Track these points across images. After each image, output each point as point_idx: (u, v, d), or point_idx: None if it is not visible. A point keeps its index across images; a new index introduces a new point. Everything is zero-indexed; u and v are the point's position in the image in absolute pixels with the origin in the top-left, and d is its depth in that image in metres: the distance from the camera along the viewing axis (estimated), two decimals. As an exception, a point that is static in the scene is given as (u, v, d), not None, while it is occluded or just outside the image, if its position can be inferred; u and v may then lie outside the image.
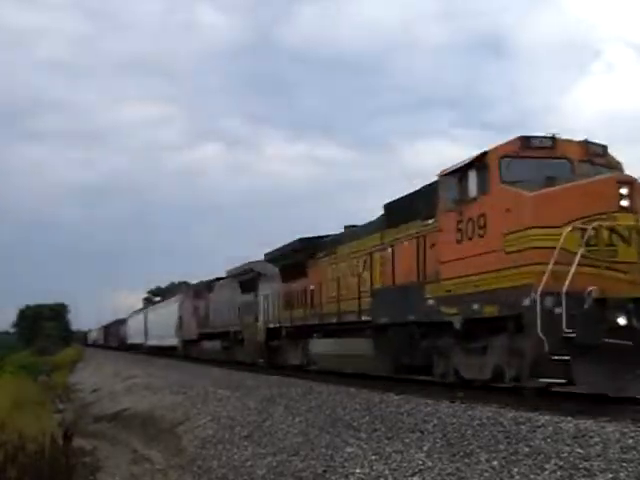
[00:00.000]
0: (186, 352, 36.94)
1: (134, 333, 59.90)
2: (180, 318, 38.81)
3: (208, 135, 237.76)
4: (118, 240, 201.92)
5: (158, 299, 64.16)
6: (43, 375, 40.13)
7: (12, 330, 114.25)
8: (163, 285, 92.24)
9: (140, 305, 78.38)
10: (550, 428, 7.62)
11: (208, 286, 33.48)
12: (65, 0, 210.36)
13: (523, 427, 7.89)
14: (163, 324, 43.69)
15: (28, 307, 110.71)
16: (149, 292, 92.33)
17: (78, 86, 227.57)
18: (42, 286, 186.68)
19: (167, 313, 43.19)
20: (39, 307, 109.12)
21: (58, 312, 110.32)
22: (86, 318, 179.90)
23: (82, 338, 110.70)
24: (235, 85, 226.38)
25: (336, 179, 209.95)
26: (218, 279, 32.74)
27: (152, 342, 49.77)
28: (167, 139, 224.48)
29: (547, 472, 6.39)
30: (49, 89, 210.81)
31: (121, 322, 71.57)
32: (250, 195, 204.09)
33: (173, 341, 40.41)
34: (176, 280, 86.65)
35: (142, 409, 18.48)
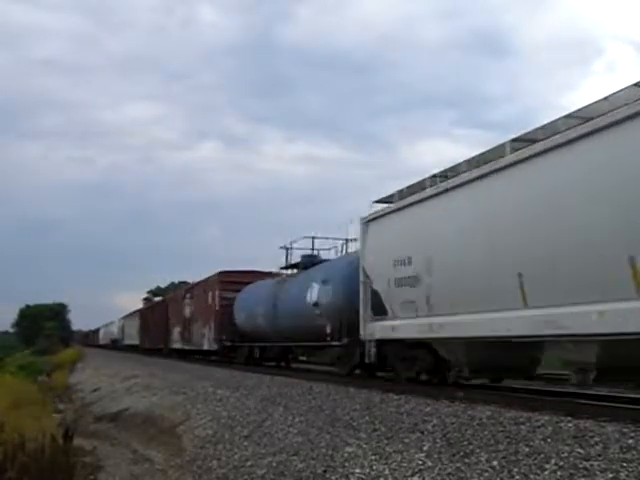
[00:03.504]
0: None
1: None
2: None
3: (207, 134, 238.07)
4: (118, 240, 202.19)
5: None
6: (43, 375, 40.12)
7: (12, 330, 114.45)
8: (163, 285, 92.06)
9: (140, 305, 62.04)
10: (550, 428, 7.59)
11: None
12: None
13: (523, 427, 7.87)
14: None
15: (28, 307, 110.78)
16: (149, 292, 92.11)
17: (77, 84, 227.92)
18: (42, 286, 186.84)
19: None
20: (39, 307, 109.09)
21: (58, 312, 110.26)
22: (86, 318, 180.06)
23: (84, 337, 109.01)
24: (234, 84, 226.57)
25: (335, 179, 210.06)
26: None
27: None
28: (166, 138, 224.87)
29: (547, 472, 6.38)
30: (48, 88, 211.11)
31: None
32: (250, 194, 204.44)
33: None
34: (176, 280, 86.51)
35: (142, 409, 18.47)
